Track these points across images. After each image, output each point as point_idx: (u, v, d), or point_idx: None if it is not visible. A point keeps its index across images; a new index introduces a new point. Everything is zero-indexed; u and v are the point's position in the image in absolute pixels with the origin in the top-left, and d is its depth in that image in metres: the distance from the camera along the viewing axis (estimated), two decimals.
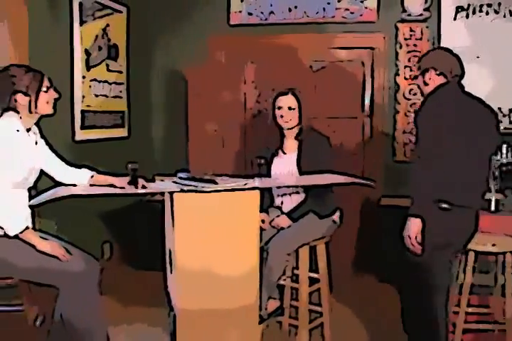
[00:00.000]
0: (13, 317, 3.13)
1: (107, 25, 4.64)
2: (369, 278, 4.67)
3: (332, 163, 3.33)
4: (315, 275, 3.47)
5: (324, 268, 3.49)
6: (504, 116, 4.50)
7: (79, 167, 3.09)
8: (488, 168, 3.02)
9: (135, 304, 4.02)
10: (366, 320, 3.77)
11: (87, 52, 4.37)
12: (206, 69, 4.93)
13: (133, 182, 2.98)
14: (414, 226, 2.77)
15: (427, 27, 4.65)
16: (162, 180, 3.28)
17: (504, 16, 4.52)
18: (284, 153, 3.48)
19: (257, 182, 3.06)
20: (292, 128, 3.43)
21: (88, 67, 4.39)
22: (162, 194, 3.10)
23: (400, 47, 4.72)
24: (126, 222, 4.89)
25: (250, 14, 4.94)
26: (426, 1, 4.64)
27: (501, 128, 4.36)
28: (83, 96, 4.33)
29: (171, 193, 2.85)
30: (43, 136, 2.96)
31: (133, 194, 3.43)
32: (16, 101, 2.68)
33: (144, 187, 3.00)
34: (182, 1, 5.12)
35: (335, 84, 4.89)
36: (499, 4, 4.51)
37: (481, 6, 4.54)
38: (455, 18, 4.59)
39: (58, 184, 3.04)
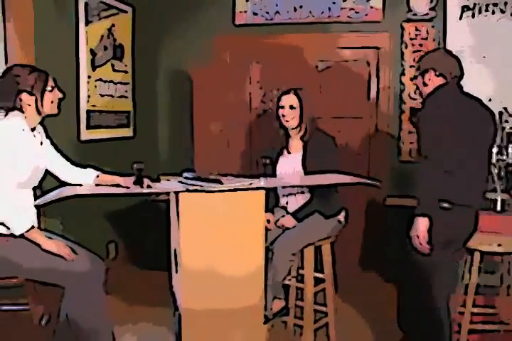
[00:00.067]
0: (18, 316, 3.15)
1: (113, 25, 4.64)
2: (374, 278, 4.66)
3: (337, 162, 3.33)
4: (320, 275, 3.47)
5: (329, 268, 3.49)
6: (510, 115, 4.48)
7: (84, 167, 3.10)
8: (487, 168, 3.04)
9: (140, 304, 4.02)
10: (371, 320, 3.77)
11: (93, 52, 4.37)
12: (211, 69, 4.94)
13: (138, 182, 2.99)
14: (422, 226, 2.77)
15: (432, 26, 4.64)
16: (168, 180, 3.27)
17: (511, 15, 4.50)
18: (289, 153, 3.48)
19: (262, 182, 3.06)
20: (296, 127, 3.43)
21: (94, 67, 4.40)
22: (167, 194, 3.11)
23: (406, 46, 4.71)
24: (131, 221, 4.89)
25: (255, 14, 4.94)
26: (431, 1, 4.62)
27: (507, 128, 4.39)
28: (89, 96, 4.34)
29: (177, 193, 2.85)
30: (48, 136, 2.97)
31: (138, 194, 3.43)
32: (20, 100, 2.69)
33: (149, 186, 3.00)
34: (187, 1, 5.12)
35: (340, 84, 4.88)
36: (505, 3, 4.48)
37: (487, 5, 4.51)
38: (461, 18, 4.57)
39: (63, 184, 3.05)
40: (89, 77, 4.33)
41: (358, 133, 4.92)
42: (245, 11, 4.96)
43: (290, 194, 3.47)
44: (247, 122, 5.14)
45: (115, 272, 3.80)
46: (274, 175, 3.41)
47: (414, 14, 4.67)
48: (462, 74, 3.02)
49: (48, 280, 2.69)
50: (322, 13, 4.82)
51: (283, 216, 3.38)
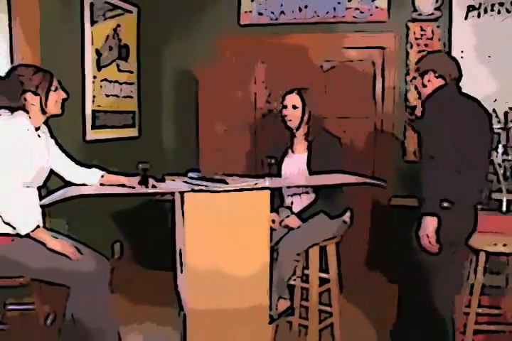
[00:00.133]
0: (24, 315, 3.15)
1: (118, 25, 4.65)
2: (379, 278, 4.65)
3: (342, 162, 3.32)
4: (325, 275, 3.47)
5: (334, 269, 3.48)
6: None
7: (89, 167, 3.11)
8: (486, 167, 3.05)
9: (145, 303, 4.03)
10: (376, 320, 3.76)
11: (98, 53, 4.38)
12: (217, 69, 4.94)
13: (143, 182, 2.99)
14: (431, 225, 2.78)
15: (437, 26, 4.63)
16: (173, 180, 3.28)
17: None
18: (294, 153, 3.48)
19: (267, 182, 3.06)
20: (298, 127, 3.43)
21: (99, 67, 4.41)
22: (172, 194, 3.11)
23: (411, 46, 4.70)
24: (136, 221, 4.90)
25: (260, 14, 4.94)
26: (437, 1, 4.61)
27: None
28: (94, 96, 4.35)
29: (182, 193, 2.85)
30: (52, 136, 2.98)
31: (143, 194, 3.44)
32: (25, 100, 2.70)
33: (154, 186, 3.01)
34: (192, 1, 5.12)
35: (345, 84, 4.88)
36: (511, 3, 4.48)
37: (493, 5, 4.50)
38: (466, 18, 4.56)
39: (68, 184, 3.06)
40: (94, 77, 4.34)
41: (363, 133, 4.92)
42: (250, 11, 4.96)
43: (295, 194, 3.47)
44: (252, 122, 5.14)
45: (120, 272, 3.80)
46: (279, 175, 3.41)
47: (420, 14, 4.66)
48: (461, 75, 3.07)
49: (54, 280, 2.70)
50: (327, 13, 4.82)
51: (287, 216, 3.38)
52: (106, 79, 4.52)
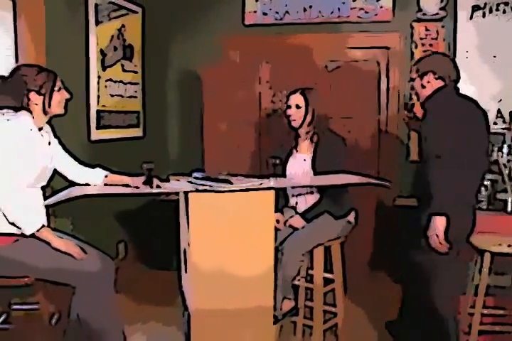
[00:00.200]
0: (29, 315, 3.15)
1: (123, 25, 4.65)
2: (384, 278, 4.65)
3: (347, 163, 3.32)
4: (330, 275, 3.47)
5: (339, 269, 3.48)
6: None
7: (93, 167, 3.11)
8: (484, 167, 3.06)
9: (149, 303, 4.03)
10: (381, 320, 3.75)
11: (103, 53, 4.39)
12: (221, 69, 4.94)
13: (148, 182, 2.99)
14: (440, 225, 2.80)
15: (442, 26, 4.62)
16: (177, 180, 3.28)
17: None
18: (299, 153, 3.48)
19: (272, 182, 3.06)
20: (301, 127, 3.42)
21: (104, 67, 4.41)
22: (177, 194, 3.11)
23: (416, 46, 4.69)
24: (141, 221, 4.90)
25: (265, 14, 4.94)
26: (442, 0, 4.61)
27: None
28: (98, 97, 4.35)
29: (186, 193, 2.85)
30: (56, 136, 2.98)
31: (148, 193, 3.44)
32: (29, 100, 2.70)
33: (158, 186, 3.01)
34: (197, 1, 5.13)
35: (350, 84, 4.88)
36: None
37: (498, 4, 4.49)
38: (471, 17, 4.55)
39: (72, 184, 3.06)
40: (99, 77, 4.34)
41: (368, 133, 4.92)
42: (255, 11, 4.96)
43: (299, 194, 3.47)
44: (256, 122, 5.14)
45: (125, 272, 3.80)
46: (283, 175, 3.41)
47: (424, 14, 4.65)
48: (459, 77, 3.09)
49: (59, 280, 2.70)
50: (332, 13, 4.81)
51: (291, 216, 3.38)
52: (111, 79, 4.52)
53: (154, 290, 4.32)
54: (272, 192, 2.91)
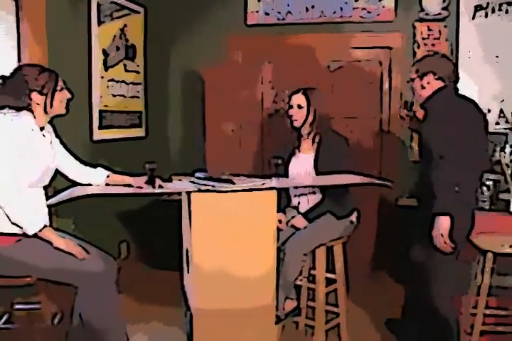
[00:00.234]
0: (31, 315, 3.16)
1: (125, 25, 4.66)
2: (386, 278, 4.64)
3: (349, 163, 3.32)
4: (332, 275, 3.46)
5: (341, 269, 3.48)
6: None
7: (94, 166, 3.11)
8: (484, 167, 3.08)
9: (152, 303, 4.04)
10: (383, 320, 3.75)
11: (105, 53, 4.39)
12: (223, 69, 4.93)
13: (150, 182, 2.99)
14: (445, 225, 2.81)
15: (445, 26, 4.61)
16: (179, 180, 3.28)
17: None
18: (302, 153, 3.48)
19: (274, 182, 3.06)
20: (302, 127, 3.42)
21: (106, 67, 4.41)
22: (179, 194, 3.11)
23: (418, 46, 4.68)
24: (143, 221, 4.91)
25: (267, 14, 4.93)
26: (444, 0, 4.60)
27: None
28: (101, 97, 4.36)
29: (189, 193, 2.85)
30: (57, 136, 2.98)
31: (150, 193, 3.44)
32: (30, 100, 2.70)
33: (161, 186, 3.01)
34: (199, 1, 5.13)
35: (352, 84, 4.87)
36: None
37: (501, 4, 4.48)
38: (474, 17, 4.54)
39: (74, 184, 3.06)
40: (101, 77, 4.34)
41: (370, 133, 4.91)
42: (257, 11, 4.95)
43: (302, 194, 3.47)
44: (259, 122, 5.14)
45: (127, 272, 3.81)
46: (286, 175, 3.41)
47: (427, 14, 4.64)
48: (457, 78, 3.12)
49: (61, 280, 2.70)
50: (334, 13, 4.81)
51: (293, 216, 3.38)
52: (113, 79, 4.52)
53: (156, 290, 4.32)
54: (274, 192, 2.91)
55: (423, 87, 3.08)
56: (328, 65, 4.93)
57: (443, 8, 4.61)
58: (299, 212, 3.40)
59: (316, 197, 3.40)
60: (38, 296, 2.84)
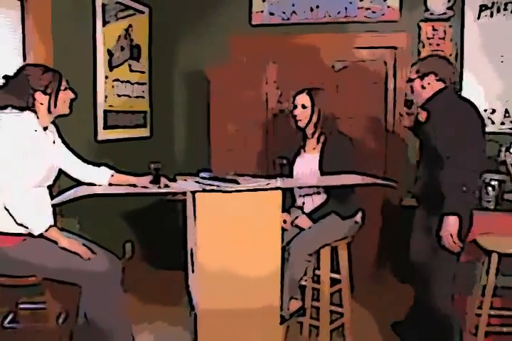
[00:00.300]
0: (36, 314, 3.17)
1: (130, 25, 4.66)
2: (391, 278, 4.64)
3: (354, 163, 3.32)
4: (336, 275, 3.46)
5: (346, 269, 3.48)
6: None
7: (98, 166, 3.11)
8: (485, 167, 3.07)
9: (156, 303, 4.04)
10: (387, 321, 3.74)
11: (110, 53, 4.40)
12: (228, 69, 4.94)
13: (155, 182, 2.99)
14: (454, 225, 2.81)
15: (450, 26, 4.60)
16: (184, 180, 3.28)
17: None
18: (306, 153, 3.48)
19: (279, 182, 3.06)
20: (307, 127, 3.42)
21: (111, 67, 4.42)
22: (184, 193, 3.11)
23: (423, 46, 4.67)
24: (148, 221, 4.91)
25: (272, 14, 4.93)
26: (449, 0, 4.59)
27: None
28: (106, 97, 4.36)
29: (193, 193, 2.85)
30: (60, 135, 2.99)
31: (155, 193, 3.44)
32: (34, 99, 2.71)
33: (166, 186, 3.01)
34: (204, 1, 5.13)
35: (357, 84, 4.87)
36: None
37: (506, 4, 4.47)
38: (479, 17, 4.53)
39: (79, 183, 3.07)
40: (106, 77, 4.35)
41: (375, 133, 4.90)
42: (262, 11, 4.96)
43: (306, 194, 3.47)
44: (263, 122, 5.13)
45: (131, 272, 3.81)
46: (290, 175, 3.41)
47: (432, 14, 4.64)
48: (461, 80, 3.10)
49: (66, 280, 2.71)
50: (339, 13, 4.81)
51: (297, 217, 3.37)
52: (118, 80, 4.53)
53: (161, 289, 4.33)
54: (279, 192, 2.91)
55: (423, 88, 3.08)
56: (332, 64, 4.93)
57: (448, 8, 4.60)
58: (304, 212, 3.40)
59: (321, 198, 3.39)
60: (43, 296, 2.85)
